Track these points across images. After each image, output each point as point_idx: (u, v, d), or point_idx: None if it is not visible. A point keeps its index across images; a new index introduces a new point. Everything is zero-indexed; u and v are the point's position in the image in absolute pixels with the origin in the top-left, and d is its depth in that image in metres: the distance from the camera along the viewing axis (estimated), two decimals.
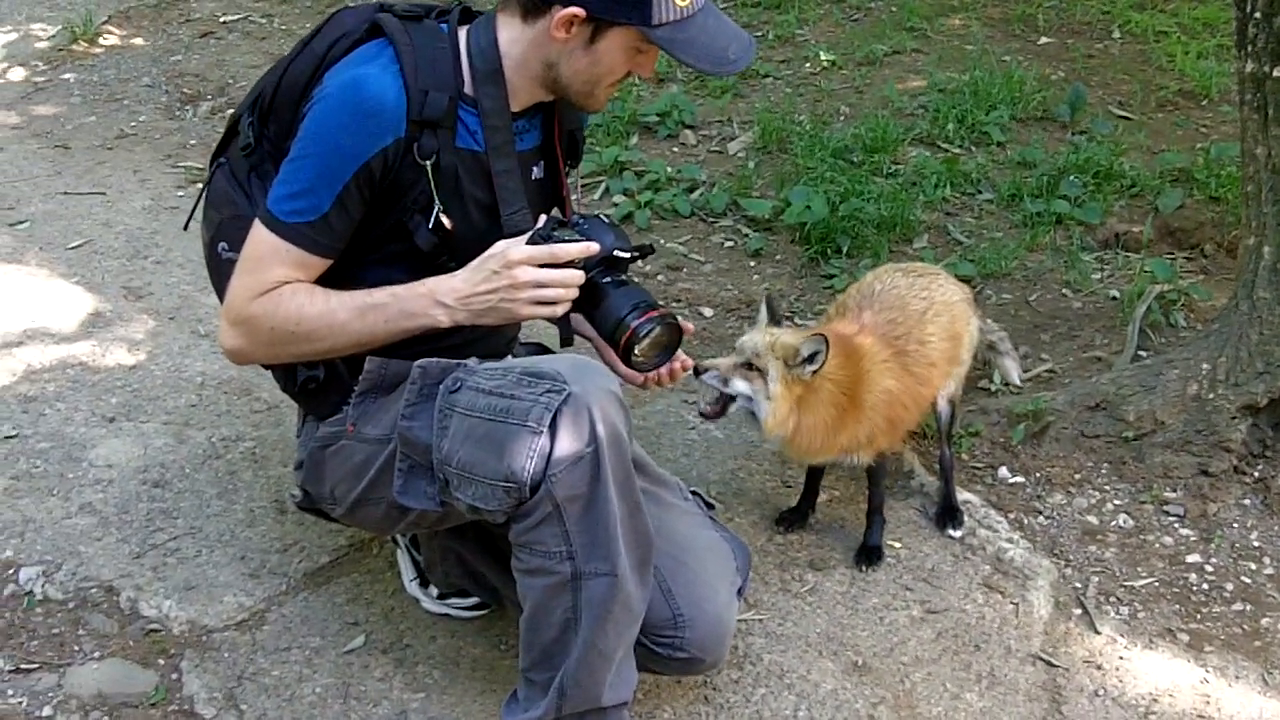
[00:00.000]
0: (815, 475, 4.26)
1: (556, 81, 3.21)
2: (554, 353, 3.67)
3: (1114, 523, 4.29)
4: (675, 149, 6.96)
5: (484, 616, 3.86)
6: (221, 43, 8.64)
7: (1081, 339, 5.23)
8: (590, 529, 2.97)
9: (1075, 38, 8.17)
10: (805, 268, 5.85)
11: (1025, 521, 4.31)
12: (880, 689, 3.66)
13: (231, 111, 3.53)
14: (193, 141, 7.26)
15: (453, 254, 3.21)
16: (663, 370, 3.41)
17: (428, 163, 3.14)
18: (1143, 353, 5.01)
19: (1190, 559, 4.16)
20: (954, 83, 7.35)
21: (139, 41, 8.70)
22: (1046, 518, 4.32)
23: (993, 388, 4.87)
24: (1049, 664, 3.78)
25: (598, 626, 3.04)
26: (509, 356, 3.60)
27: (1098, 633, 3.89)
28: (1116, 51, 7.99)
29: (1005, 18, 8.48)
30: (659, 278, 5.79)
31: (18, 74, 8.23)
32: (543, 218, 3.20)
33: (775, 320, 3.89)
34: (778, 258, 5.97)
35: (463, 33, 3.24)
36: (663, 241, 6.06)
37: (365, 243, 3.24)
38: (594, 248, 3.11)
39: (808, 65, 7.92)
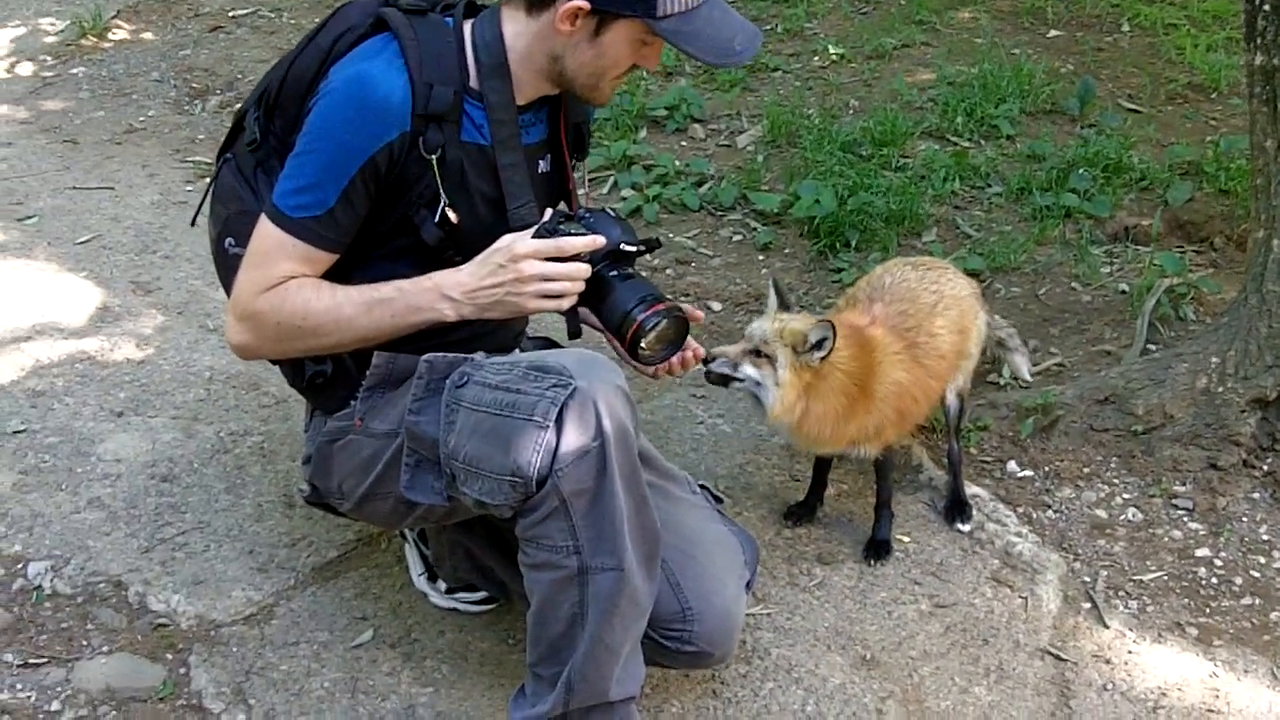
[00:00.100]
0: (823, 469, 4.26)
1: (562, 75, 3.21)
2: (561, 347, 3.67)
3: (1123, 516, 4.29)
4: (684, 143, 6.95)
5: (492, 611, 3.86)
6: (230, 37, 8.64)
7: (1090, 333, 5.22)
8: (596, 524, 2.97)
9: (1084, 31, 8.16)
10: (814, 261, 5.85)
11: (1034, 515, 4.31)
12: (889, 683, 3.66)
13: (239, 106, 3.53)
14: (201, 136, 7.26)
15: (459, 248, 3.21)
16: (673, 360, 3.40)
17: (433, 157, 3.13)
18: (1152, 346, 5.00)
19: (1199, 553, 4.15)
20: (963, 76, 7.34)
21: (148, 36, 8.70)
22: (1055, 512, 4.32)
23: (1001, 382, 4.86)
24: (1058, 658, 3.77)
25: (604, 621, 3.03)
26: (516, 351, 3.60)
27: (1106, 627, 3.88)
28: (1126, 44, 7.97)
29: (1014, 11, 8.46)
30: (667, 271, 5.79)
31: (26, 69, 8.23)
32: (548, 211, 3.19)
33: (784, 304, 3.88)
34: (786, 251, 5.96)
35: (468, 26, 3.24)
36: (671, 235, 6.06)
37: (371, 237, 3.23)
38: (600, 241, 3.11)
39: (816, 59, 7.91)
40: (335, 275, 3.22)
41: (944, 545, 4.17)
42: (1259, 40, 4.21)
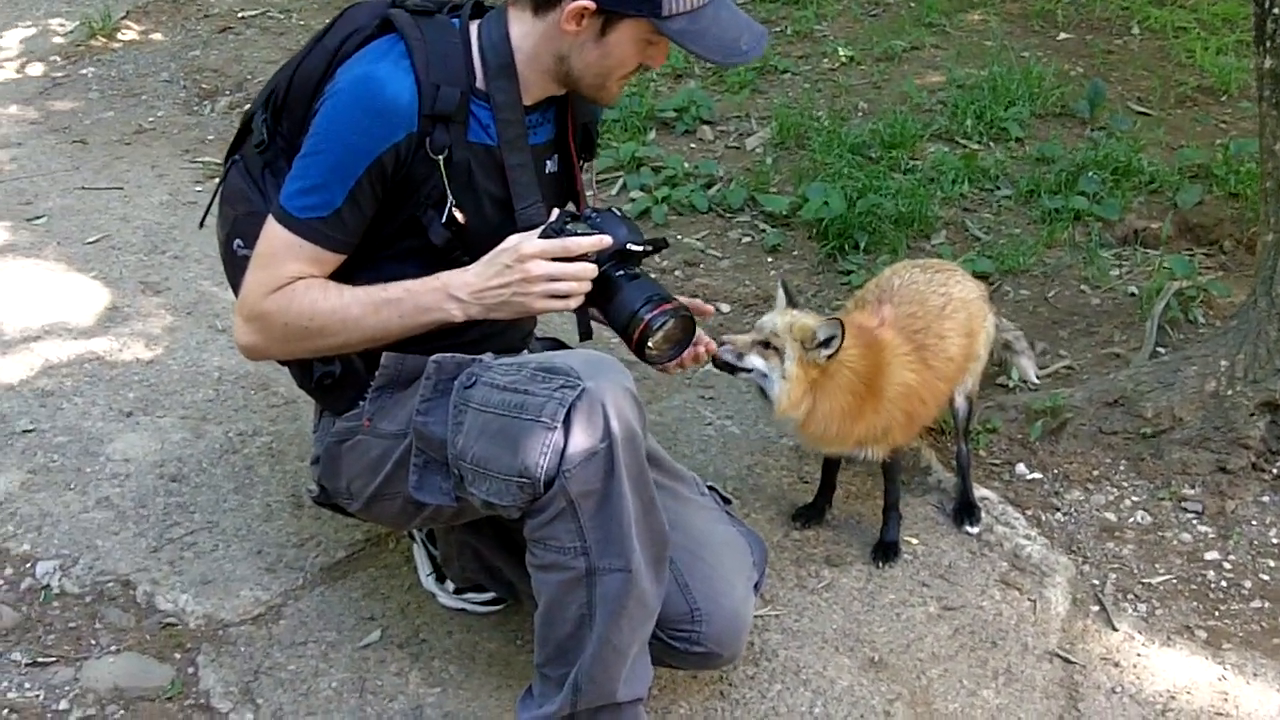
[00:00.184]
0: (832, 471, 4.25)
1: (568, 75, 3.21)
2: (570, 348, 3.66)
3: (1132, 519, 4.28)
4: (693, 144, 6.95)
5: (500, 611, 3.86)
6: (240, 38, 8.65)
7: (1100, 335, 5.22)
8: (604, 525, 2.96)
9: (1094, 33, 8.15)
10: (822, 263, 5.85)
11: (1043, 518, 4.30)
12: (897, 685, 3.65)
13: (247, 108, 3.53)
14: (210, 136, 7.28)
15: (466, 249, 3.21)
16: (685, 354, 3.39)
17: (440, 157, 3.13)
18: (1161, 349, 4.99)
19: (1208, 556, 4.14)
20: (973, 78, 7.34)
21: (157, 36, 8.72)
22: (1064, 514, 4.31)
23: (1010, 384, 4.86)
24: (1066, 661, 3.77)
25: (612, 622, 3.03)
26: (525, 352, 3.60)
27: (1115, 630, 3.88)
28: (1136, 47, 7.96)
29: (1024, 13, 8.46)
30: (676, 273, 5.79)
31: (36, 69, 8.26)
32: (555, 211, 3.19)
33: (793, 303, 3.88)
34: (795, 253, 5.96)
35: (474, 27, 3.24)
36: (680, 237, 6.06)
37: (379, 238, 3.24)
38: (606, 241, 3.11)
39: (826, 61, 7.92)
40: (343, 276, 3.22)
41: (952, 547, 4.16)
42: (1269, 43, 4.20)
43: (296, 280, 3.16)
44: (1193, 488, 4.35)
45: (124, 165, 6.87)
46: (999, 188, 6.38)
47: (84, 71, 8.20)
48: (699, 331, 3.47)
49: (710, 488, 3.72)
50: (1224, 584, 4.05)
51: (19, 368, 4.93)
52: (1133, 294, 5.44)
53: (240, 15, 8.98)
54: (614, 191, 6.45)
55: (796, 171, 6.48)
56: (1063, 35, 8.14)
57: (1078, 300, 5.47)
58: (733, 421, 4.75)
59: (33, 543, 4.08)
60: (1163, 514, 4.29)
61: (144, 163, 6.90)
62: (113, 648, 3.73)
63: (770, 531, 4.18)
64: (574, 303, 3.13)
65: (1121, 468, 4.45)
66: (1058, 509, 4.33)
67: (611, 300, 3.17)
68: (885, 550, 4.10)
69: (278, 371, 4.33)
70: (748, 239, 6.09)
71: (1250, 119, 6.62)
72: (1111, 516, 4.29)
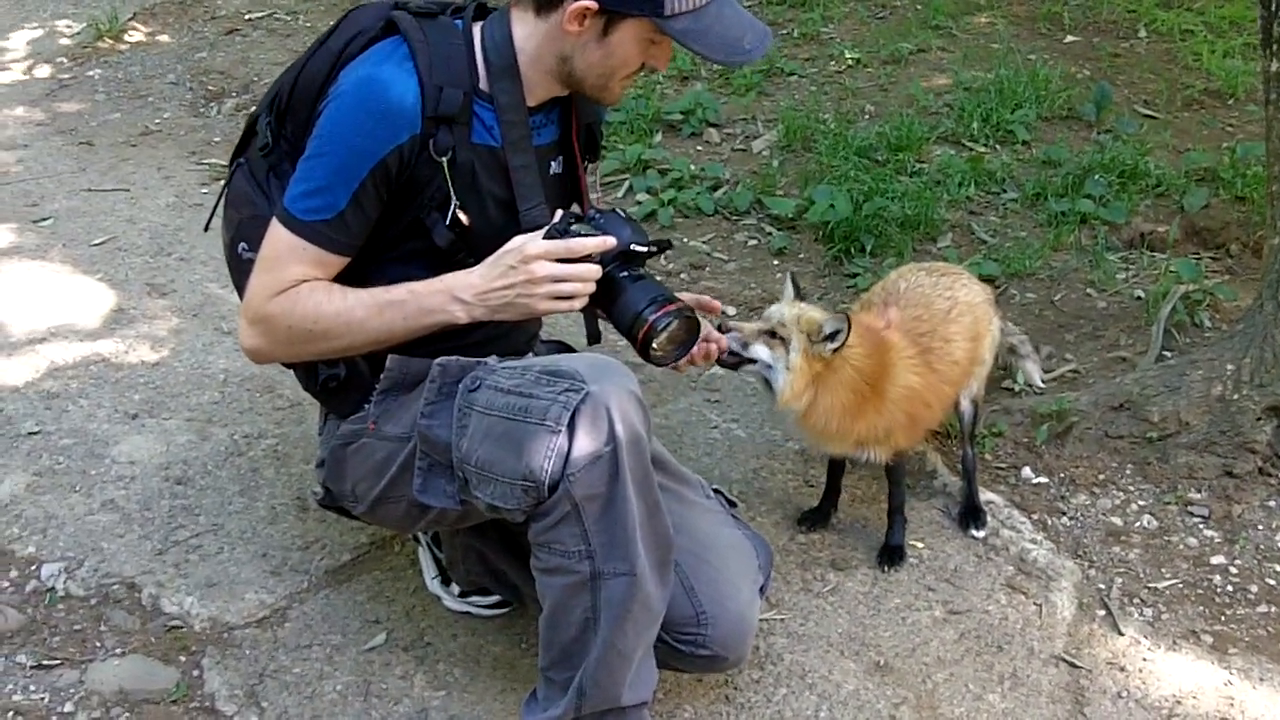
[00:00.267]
0: (837, 474, 4.25)
1: (571, 75, 3.21)
2: (575, 351, 3.66)
3: (1138, 524, 4.27)
4: (699, 147, 6.95)
5: (505, 614, 3.86)
6: (246, 40, 8.66)
7: (1106, 339, 5.21)
8: (609, 529, 2.96)
9: (1101, 36, 8.15)
10: (829, 266, 5.84)
11: (1049, 522, 4.29)
12: (902, 689, 3.65)
13: (252, 111, 3.54)
14: (217, 138, 7.28)
15: (471, 250, 3.20)
16: (695, 351, 3.38)
17: (444, 159, 3.13)
18: (1167, 353, 4.99)
19: (1214, 560, 4.13)
20: (979, 81, 7.34)
21: (164, 38, 8.73)
22: (1070, 518, 4.31)
23: (1016, 388, 4.85)
24: (1072, 665, 3.76)
25: (617, 626, 3.03)
26: (530, 354, 3.60)
27: (1121, 634, 3.87)
28: (1142, 50, 7.96)
29: (1031, 16, 8.45)
30: (682, 276, 5.79)
31: (43, 71, 8.27)
32: (559, 213, 3.19)
33: (800, 296, 3.88)
34: (801, 256, 5.95)
35: (477, 29, 3.24)
36: (686, 240, 6.06)
37: (383, 240, 3.23)
38: (611, 242, 3.11)
39: (832, 63, 7.91)
40: (347, 279, 3.21)
41: (958, 551, 4.16)
42: (1275, 46, 4.20)
43: (301, 283, 3.16)
44: (1199, 492, 4.34)
45: (130, 167, 6.88)
46: (1005, 191, 6.37)
47: (91, 73, 8.21)
48: (710, 329, 3.47)
49: (716, 491, 3.72)
50: (1230, 589, 4.04)
51: (25, 369, 4.93)
52: (1139, 297, 5.43)
53: (247, 17, 8.99)
54: (620, 194, 6.45)
55: (803, 174, 6.48)
56: (1069, 38, 8.14)
57: (1084, 304, 5.46)
58: (738, 425, 4.75)
59: (38, 545, 4.08)
60: (1169, 518, 4.28)
61: (150, 164, 6.91)
62: (118, 650, 3.73)
63: (776, 535, 4.18)
64: (578, 304, 3.13)
65: (1127, 472, 4.45)
66: (1064, 513, 4.33)
67: (616, 301, 3.17)
68: (890, 554, 4.10)
69: (283, 374, 4.33)
70: (754, 242, 6.09)
71: (1257, 122, 6.60)
72: (1117, 521, 4.29)
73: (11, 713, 3.51)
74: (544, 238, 3.08)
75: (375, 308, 3.15)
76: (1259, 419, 4.32)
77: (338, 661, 3.71)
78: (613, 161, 6.56)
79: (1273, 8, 4.19)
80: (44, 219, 6.23)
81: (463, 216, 3.19)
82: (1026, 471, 4.49)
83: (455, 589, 3.88)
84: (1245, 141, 6.46)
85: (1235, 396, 4.36)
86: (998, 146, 6.78)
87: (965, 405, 4.25)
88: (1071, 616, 3.94)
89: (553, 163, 3.41)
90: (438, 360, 3.19)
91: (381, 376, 3.31)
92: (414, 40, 3.12)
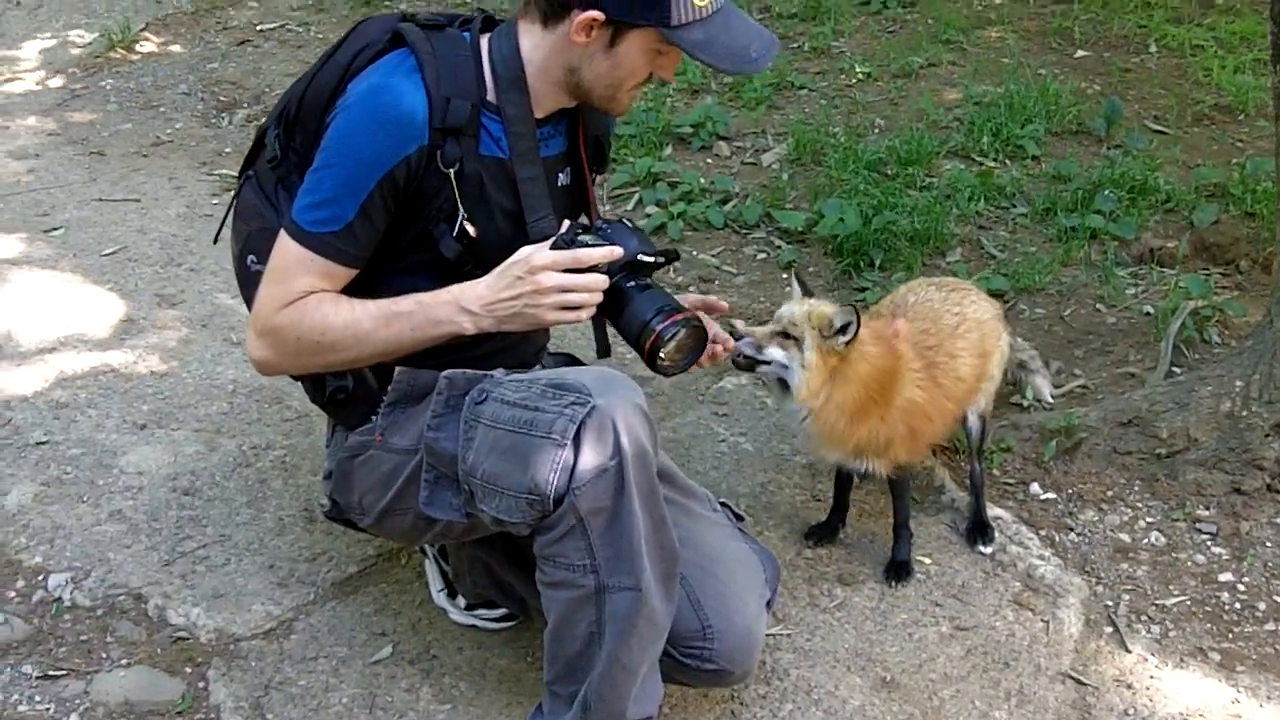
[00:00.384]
0: (845, 489, 4.24)
1: (579, 86, 3.21)
2: (582, 364, 3.66)
3: (1146, 540, 4.26)
4: (709, 160, 6.96)
5: (511, 628, 3.86)
6: (258, 50, 8.68)
7: (1115, 355, 5.20)
8: (614, 542, 2.96)
9: (1111, 51, 8.15)
10: (838, 280, 5.84)
11: (1056, 538, 4.29)
12: (909, 706, 3.64)
13: (261, 123, 3.54)
14: (228, 149, 7.30)
15: (478, 262, 3.20)
16: (702, 354, 3.38)
17: (451, 170, 3.13)
18: (1176, 369, 4.98)
19: (1223, 577, 4.12)
20: (989, 96, 7.34)
21: (176, 49, 8.75)
22: (1078, 535, 4.30)
23: (1025, 403, 4.84)
24: (1079, 682, 3.75)
25: (622, 640, 3.03)
26: (537, 367, 3.60)
27: (1128, 651, 3.86)
28: (1153, 65, 7.96)
29: (1041, 31, 8.46)
30: (691, 289, 5.78)
31: (55, 81, 8.30)
32: (566, 223, 3.19)
33: (807, 292, 3.88)
34: (810, 270, 5.95)
35: (484, 41, 3.24)
36: (695, 253, 6.06)
37: (390, 252, 3.24)
38: (617, 252, 3.11)
39: (843, 77, 7.92)
40: (355, 290, 3.22)
41: (965, 567, 4.15)
42: None
43: (309, 295, 3.16)
44: (1207, 509, 4.33)
45: (141, 177, 6.89)
46: (1015, 205, 6.37)
47: (103, 83, 8.23)
48: (717, 330, 3.47)
49: (723, 504, 3.71)
50: (1238, 606, 4.03)
51: (34, 379, 4.94)
52: (1148, 313, 5.42)
53: (259, 28, 9.02)
54: (630, 207, 6.46)
55: (812, 188, 6.48)
56: (1080, 53, 8.14)
57: (1093, 319, 5.46)
58: (746, 438, 4.75)
59: (45, 555, 4.09)
60: (1177, 535, 4.27)
61: (161, 175, 6.92)
62: (124, 661, 3.74)
63: (783, 550, 4.17)
64: (585, 314, 3.13)
65: (1136, 488, 4.44)
66: (1071, 529, 4.32)
67: (623, 311, 3.17)
68: (897, 569, 4.09)
69: (291, 385, 4.34)
70: (763, 255, 6.09)
71: (1267, 138, 6.60)
72: (1125, 537, 4.28)
73: None
74: (551, 248, 3.08)
75: (383, 319, 3.16)
76: (1267, 436, 4.31)
77: (343, 674, 3.71)
78: (622, 174, 6.57)
79: None
80: (55, 229, 6.24)
81: (470, 228, 3.19)
82: (1034, 487, 4.48)
83: (461, 602, 3.88)
84: (1255, 157, 6.45)
85: (1244, 413, 4.35)
86: (1008, 161, 6.78)
87: (973, 421, 4.25)
88: (1079, 633, 3.93)
89: (560, 174, 3.41)
90: (445, 373, 3.19)
91: (389, 388, 3.31)
92: (421, 52, 3.12)
